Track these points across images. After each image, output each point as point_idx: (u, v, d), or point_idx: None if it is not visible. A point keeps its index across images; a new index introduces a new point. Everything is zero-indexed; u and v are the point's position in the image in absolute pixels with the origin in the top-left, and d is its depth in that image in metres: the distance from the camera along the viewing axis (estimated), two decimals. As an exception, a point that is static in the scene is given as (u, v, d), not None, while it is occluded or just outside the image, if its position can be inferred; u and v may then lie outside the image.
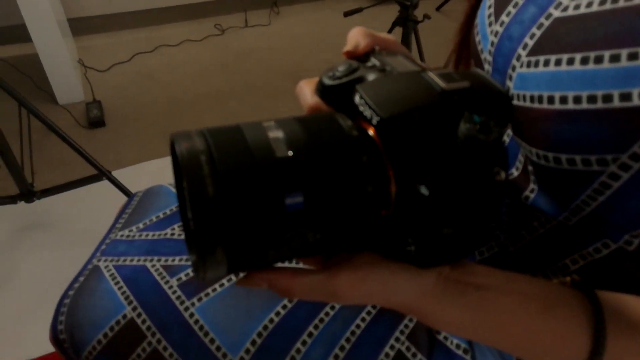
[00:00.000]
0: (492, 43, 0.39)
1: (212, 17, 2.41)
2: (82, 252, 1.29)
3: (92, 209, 1.44)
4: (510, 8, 0.38)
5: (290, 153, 0.27)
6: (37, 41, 1.73)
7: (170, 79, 2.06)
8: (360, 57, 0.37)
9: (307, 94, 0.37)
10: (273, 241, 0.28)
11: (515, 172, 0.43)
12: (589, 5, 0.31)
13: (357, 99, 0.31)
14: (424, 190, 0.27)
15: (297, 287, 0.30)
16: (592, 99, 0.30)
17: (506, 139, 0.44)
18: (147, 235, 0.57)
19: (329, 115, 0.31)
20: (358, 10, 1.81)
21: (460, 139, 0.26)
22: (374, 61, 0.36)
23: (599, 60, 0.30)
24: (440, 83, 0.29)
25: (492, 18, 0.40)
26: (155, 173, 1.59)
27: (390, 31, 1.69)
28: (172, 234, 0.58)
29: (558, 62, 0.32)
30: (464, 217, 0.29)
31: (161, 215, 0.62)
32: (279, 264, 0.31)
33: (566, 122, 0.32)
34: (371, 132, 0.30)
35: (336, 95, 0.35)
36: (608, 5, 0.30)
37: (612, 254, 0.37)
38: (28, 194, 1.28)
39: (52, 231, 1.39)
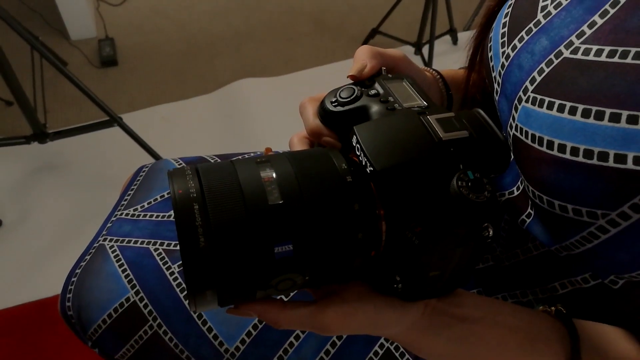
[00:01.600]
0: (503, 65, 0.39)
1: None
2: (94, 196, 1.33)
3: (106, 152, 1.45)
4: (523, 34, 0.37)
5: (281, 201, 0.28)
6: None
7: (186, 17, 2.00)
8: (364, 83, 0.37)
9: (309, 115, 0.38)
10: (261, 285, 0.29)
11: (515, 192, 0.43)
12: (599, 53, 0.30)
13: (354, 141, 0.31)
14: (414, 239, 0.28)
15: (285, 319, 0.31)
16: (588, 153, 0.30)
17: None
18: (151, 215, 0.58)
19: (325, 154, 0.31)
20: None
21: (452, 195, 0.27)
22: (377, 87, 0.36)
23: (599, 116, 0.29)
24: (439, 132, 0.29)
25: (505, 39, 0.39)
26: (167, 119, 1.59)
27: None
28: (170, 215, 0.59)
29: (561, 109, 0.32)
30: (451, 264, 0.30)
31: (165, 195, 0.63)
32: None
33: (562, 171, 0.32)
34: (367, 170, 0.30)
35: (337, 121, 0.36)
36: (617, 59, 0.29)
37: (598, 286, 0.38)
38: (41, 134, 1.28)
39: (65, 173, 1.41)
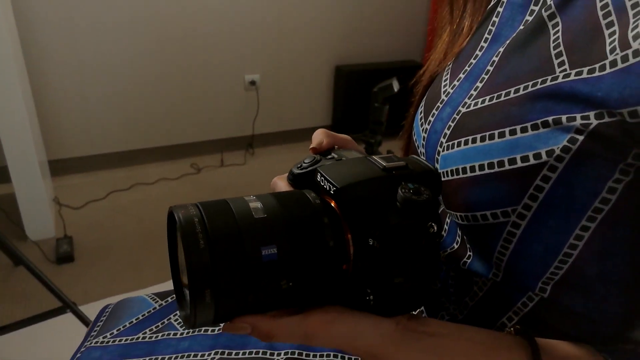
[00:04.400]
0: (424, 138, 0.51)
1: (189, 158, 2.54)
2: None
3: (53, 346, 1.34)
4: (434, 111, 0.50)
5: (265, 215, 0.34)
6: (16, 183, 1.77)
7: (144, 213, 2.09)
8: (322, 152, 0.46)
9: (280, 184, 0.45)
10: (252, 286, 0.33)
11: (455, 246, 0.49)
12: (483, 102, 0.43)
13: (318, 177, 0.38)
14: (374, 243, 0.34)
15: (276, 329, 0.35)
16: (490, 165, 0.40)
17: (446, 223, 0.51)
18: (120, 340, 0.59)
19: (298, 190, 0.39)
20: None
21: (399, 201, 0.34)
22: (333, 155, 0.44)
23: (491, 137, 0.40)
24: (382, 163, 0.37)
25: (423, 119, 0.52)
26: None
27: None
28: (144, 337, 0.60)
29: (466, 142, 0.43)
30: (410, 265, 0.36)
31: (134, 321, 0.65)
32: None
33: (476, 186, 0.41)
34: (332, 204, 0.37)
35: (303, 181, 0.43)
36: (494, 101, 0.42)
37: (536, 306, 0.43)
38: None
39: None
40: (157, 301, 0.67)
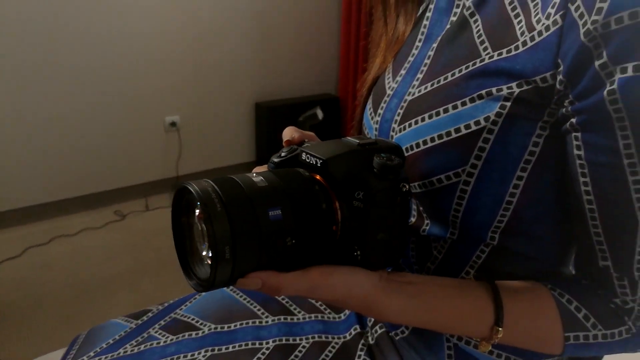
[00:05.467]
0: (376, 129, 0.59)
1: (112, 205, 2.45)
2: None
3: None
4: (382, 104, 0.59)
5: (267, 184, 0.40)
6: None
7: (71, 265, 1.98)
8: (296, 144, 0.52)
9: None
10: (263, 243, 0.38)
11: (413, 219, 0.58)
12: (425, 88, 0.52)
13: (303, 155, 0.45)
14: (359, 205, 0.41)
15: (283, 282, 0.40)
16: (440, 136, 0.49)
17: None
18: (100, 358, 0.59)
19: (289, 168, 0.46)
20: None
21: (376, 167, 0.42)
22: (307, 144, 0.51)
23: (437, 114, 0.49)
24: (357, 140, 0.46)
25: (372, 113, 0.61)
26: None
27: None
28: (126, 352, 0.60)
29: (416, 122, 0.51)
30: (391, 221, 0.42)
31: (111, 341, 0.64)
32: None
33: (430, 156, 0.50)
34: (317, 177, 0.43)
35: (284, 167, 0.48)
36: (435, 85, 0.51)
37: (488, 256, 0.52)
38: None
39: None
40: (131, 322, 0.67)
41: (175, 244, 0.42)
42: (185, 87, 2.54)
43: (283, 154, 0.49)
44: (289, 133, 0.54)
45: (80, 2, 2.14)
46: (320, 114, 1.99)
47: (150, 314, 0.68)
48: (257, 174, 0.41)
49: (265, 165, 0.51)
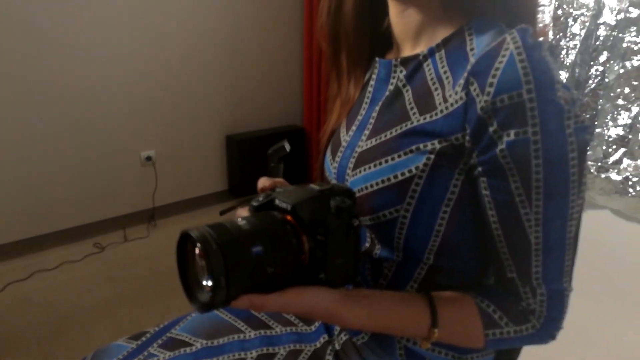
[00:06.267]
0: (334, 173, 0.72)
1: (91, 238, 2.51)
2: None
3: None
4: (339, 153, 0.74)
5: (249, 227, 0.51)
6: None
7: (52, 299, 2.03)
8: (269, 190, 0.65)
9: (243, 213, 0.64)
10: (249, 273, 0.49)
11: (367, 245, 0.71)
12: (371, 142, 0.66)
13: (277, 201, 0.57)
14: (320, 238, 0.53)
15: (265, 301, 0.51)
16: (383, 181, 0.61)
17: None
18: None
19: (266, 211, 0.57)
20: (233, 208, 2.11)
21: (332, 208, 0.54)
22: (278, 190, 0.63)
23: (380, 163, 0.62)
24: (317, 187, 0.58)
25: (331, 159, 0.74)
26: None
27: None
28: None
29: (364, 170, 0.65)
30: (345, 249, 0.55)
31: None
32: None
33: (375, 196, 0.62)
34: (288, 218, 0.55)
35: (261, 210, 0.60)
36: (378, 141, 0.64)
37: (427, 273, 0.65)
38: None
39: None
40: (132, 342, 0.78)
41: (179, 276, 0.54)
42: (160, 124, 2.65)
43: (261, 199, 0.61)
44: (262, 182, 0.68)
45: (55, 39, 2.22)
46: (287, 146, 2.11)
47: (148, 335, 0.78)
48: (242, 219, 0.53)
49: (247, 208, 0.64)
